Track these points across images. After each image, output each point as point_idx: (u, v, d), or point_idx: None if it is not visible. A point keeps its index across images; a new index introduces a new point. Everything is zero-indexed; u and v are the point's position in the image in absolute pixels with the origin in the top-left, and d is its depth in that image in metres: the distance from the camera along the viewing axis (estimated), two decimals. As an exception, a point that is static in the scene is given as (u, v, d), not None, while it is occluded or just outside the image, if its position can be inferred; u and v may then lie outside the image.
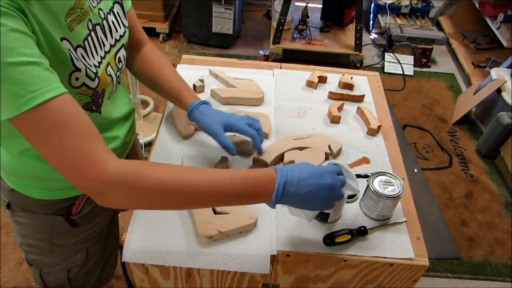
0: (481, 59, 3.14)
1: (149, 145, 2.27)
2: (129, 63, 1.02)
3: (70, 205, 0.94)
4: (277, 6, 2.91)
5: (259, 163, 1.01)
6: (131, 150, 1.09)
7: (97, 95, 0.79)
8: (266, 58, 3.05)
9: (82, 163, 0.64)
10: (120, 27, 0.86)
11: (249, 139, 0.98)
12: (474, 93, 2.65)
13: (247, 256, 0.85)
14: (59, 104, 0.62)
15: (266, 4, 3.67)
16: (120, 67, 0.87)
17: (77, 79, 0.72)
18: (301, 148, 1.05)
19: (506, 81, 2.45)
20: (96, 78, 0.76)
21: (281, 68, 1.37)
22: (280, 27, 2.86)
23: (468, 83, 3.01)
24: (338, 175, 0.77)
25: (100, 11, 0.79)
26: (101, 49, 0.80)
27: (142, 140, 2.23)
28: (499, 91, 2.47)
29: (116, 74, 0.85)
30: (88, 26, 0.76)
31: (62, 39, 0.68)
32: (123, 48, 0.88)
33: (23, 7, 0.60)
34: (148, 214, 0.90)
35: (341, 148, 1.08)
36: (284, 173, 0.72)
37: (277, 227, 0.90)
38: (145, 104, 2.52)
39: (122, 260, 0.85)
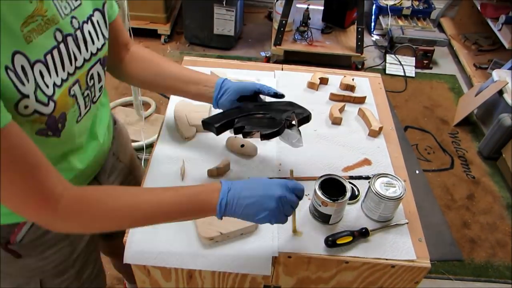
0: (483, 61, 3.13)
1: (150, 146, 2.28)
2: (117, 69, 0.95)
3: (9, 231, 0.80)
4: (279, 8, 2.91)
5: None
6: (130, 172, 1.08)
7: (55, 120, 0.68)
8: (268, 59, 3.05)
9: (33, 203, 0.63)
10: (98, 39, 0.75)
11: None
12: (476, 95, 2.65)
13: (249, 257, 0.85)
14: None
15: (267, 5, 3.67)
16: (91, 84, 0.77)
17: (26, 107, 0.61)
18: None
19: (507, 83, 2.44)
20: (51, 101, 0.65)
21: (282, 69, 1.37)
22: (282, 29, 2.86)
23: (470, 84, 3.00)
24: (291, 191, 0.76)
25: (74, 20, 0.69)
26: (71, 64, 0.69)
27: (144, 142, 2.24)
28: (500, 92, 2.47)
29: (83, 94, 0.74)
30: (55, 36, 0.65)
31: (15, 53, 0.58)
32: (99, 63, 0.77)
33: None
34: (149, 215, 0.90)
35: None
36: (228, 185, 0.73)
37: (279, 228, 0.90)
38: (146, 105, 2.53)
39: (124, 262, 0.85)
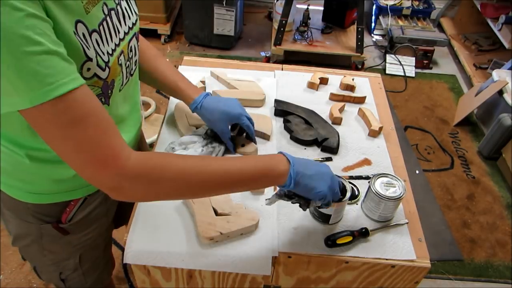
0: (483, 61, 3.13)
1: (150, 146, 2.27)
2: None
3: (60, 211, 0.87)
4: (279, 8, 2.91)
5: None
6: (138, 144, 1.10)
7: (107, 86, 0.74)
8: (268, 59, 3.05)
9: (103, 158, 0.63)
10: (132, 14, 0.83)
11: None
12: (476, 95, 2.65)
13: (249, 257, 0.85)
14: (77, 97, 0.59)
15: (267, 5, 3.67)
16: (131, 56, 0.83)
17: (88, 69, 0.67)
18: None
19: (507, 83, 2.44)
20: (107, 67, 0.72)
21: (282, 69, 1.37)
22: (282, 29, 2.86)
23: (470, 84, 3.00)
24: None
25: None
26: (116, 36, 0.75)
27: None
28: (500, 92, 2.47)
29: (126, 64, 0.81)
30: (103, 10, 0.71)
31: (77, 22, 0.64)
32: (134, 38, 0.85)
33: None
34: (149, 215, 0.90)
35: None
36: (291, 159, 0.77)
37: (279, 228, 0.90)
38: (146, 105, 2.53)
39: (124, 262, 0.85)
